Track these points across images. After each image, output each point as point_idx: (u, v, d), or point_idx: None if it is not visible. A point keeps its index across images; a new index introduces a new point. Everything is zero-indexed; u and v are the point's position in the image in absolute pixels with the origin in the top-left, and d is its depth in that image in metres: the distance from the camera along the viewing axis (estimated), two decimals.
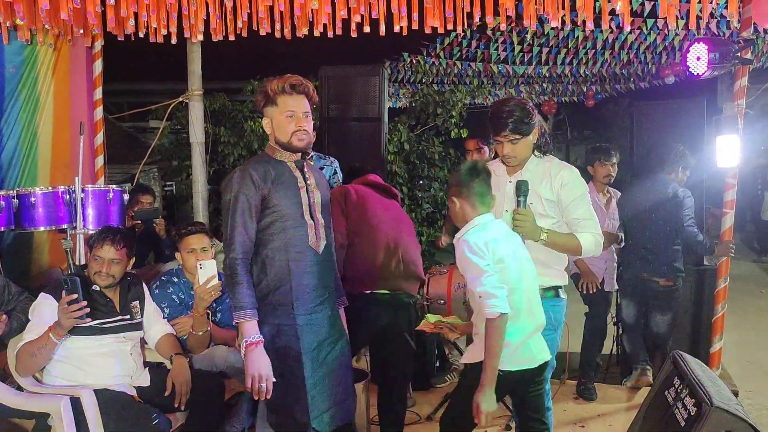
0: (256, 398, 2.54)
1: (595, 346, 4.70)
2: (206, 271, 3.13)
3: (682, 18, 4.37)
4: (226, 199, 2.58)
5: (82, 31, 4.52)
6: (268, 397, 2.51)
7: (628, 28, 5.40)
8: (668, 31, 7.36)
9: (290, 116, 2.61)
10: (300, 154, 2.70)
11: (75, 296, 2.86)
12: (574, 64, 9.13)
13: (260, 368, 2.48)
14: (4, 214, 3.67)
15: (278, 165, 2.65)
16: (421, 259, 3.62)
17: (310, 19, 4.18)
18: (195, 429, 3.10)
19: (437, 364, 4.86)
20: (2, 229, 3.72)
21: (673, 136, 4.85)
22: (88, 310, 2.89)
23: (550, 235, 2.75)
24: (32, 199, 3.69)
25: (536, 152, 2.91)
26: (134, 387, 3.13)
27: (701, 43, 3.92)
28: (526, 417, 2.82)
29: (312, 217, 2.64)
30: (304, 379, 2.54)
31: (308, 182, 2.68)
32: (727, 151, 4.13)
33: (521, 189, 2.74)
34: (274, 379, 2.51)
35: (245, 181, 2.55)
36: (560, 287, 2.95)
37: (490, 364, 2.42)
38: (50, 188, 3.80)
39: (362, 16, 4.05)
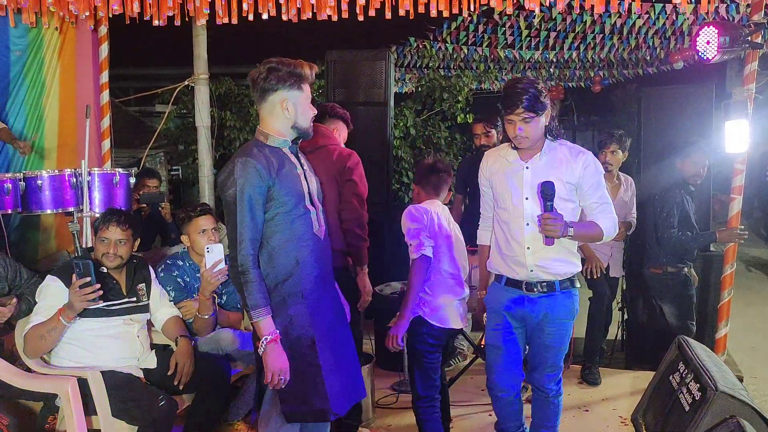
0: (272, 387, 2.51)
1: (600, 332, 4.70)
2: (213, 255, 3.13)
3: (691, 2, 4.31)
4: (230, 193, 2.45)
5: (87, 14, 4.50)
6: (283, 386, 2.50)
7: (638, 12, 5.35)
8: (677, 15, 7.29)
9: (311, 102, 2.61)
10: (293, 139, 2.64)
11: (88, 279, 2.87)
12: (582, 49, 9.06)
13: (281, 363, 2.46)
14: (11, 196, 3.69)
15: (275, 152, 2.55)
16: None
17: (313, 2, 4.16)
18: (201, 411, 3.12)
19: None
20: (9, 211, 3.74)
21: (681, 122, 4.82)
22: (101, 292, 2.91)
23: (575, 229, 2.71)
24: (39, 182, 3.70)
25: (549, 135, 2.85)
26: (141, 369, 3.16)
27: (711, 27, 3.88)
28: None
29: (313, 204, 2.60)
30: (320, 367, 2.52)
31: (304, 168, 2.64)
32: (735, 136, 4.10)
33: (547, 192, 2.67)
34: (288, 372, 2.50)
35: (250, 174, 2.43)
36: (575, 276, 2.93)
37: (409, 299, 3.13)
38: (57, 171, 3.81)
39: (368, 0, 4.02)
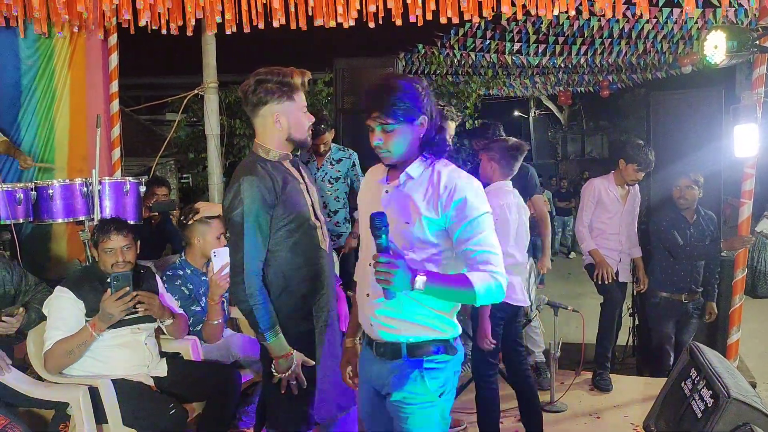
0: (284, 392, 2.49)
1: (610, 337, 4.68)
2: (220, 259, 3.14)
3: (699, 7, 4.31)
4: (236, 214, 2.36)
5: (96, 24, 4.55)
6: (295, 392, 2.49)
7: (645, 17, 5.33)
8: (685, 19, 7.28)
9: (305, 111, 2.50)
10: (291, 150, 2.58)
11: (127, 289, 2.96)
12: (590, 55, 9.05)
13: (294, 373, 2.44)
14: (23, 206, 3.72)
15: (277, 168, 2.47)
16: None
17: (323, 10, 4.17)
18: (211, 419, 3.12)
19: None
20: (21, 220, 3.77)
21: (690, 126, 4.81)
22: (137, 299, 3.01)
23: (429, 280, 1.92)
24: (50, 191, 3.73)
25: (425, 153, 2.11)
26: (151, 377, 3.16)
27: (719, 31, 3.87)
28: None
29: (317, 218, 2.55)
30: (315, 370, 2.51)
31: (305, 180, 2.57)
32: (745, 140, 4.08)
33: (376, 227, 1.93)
34: (303, 379, 2.48)
35: (255, 194, 2.35)
36: (443, 345, 2.13)
37: None
38: (68, 180, 3.84)
39: (377, 7, 4.04)
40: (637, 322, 4.98)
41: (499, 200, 3.27)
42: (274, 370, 2.44)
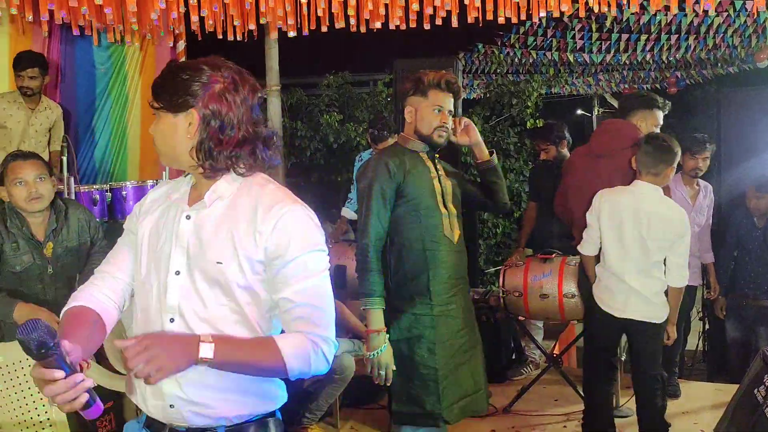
0: (377, 383, 2.53)
1: (679, 342, 4.54)
2: None
3: None
4: (361, 187, 2.59)
5: (165, 32, 4.72)
6: (388, 384, 2.51)
7: (711, 11, 5.15)
8: (758, 12, 6.99)
9: (437, 111, 2.60)
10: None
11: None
12: (656, 51, 8.79)
13: (381, 356, 2.46)
14: (99, 206, 3.91)
15: (412, 155, 2.62)
16: None
17: (384, 13, 4.21)
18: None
19: (513, 357, 4.82)
20: (97, 220, 3.95)
21: (763, 124, 4.62)
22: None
23: (219, 346, 1.39)
24: (123, 192, 3.92)
25: (236, 165, 1.52)
26: None
27: None
28: None
29: (446, 207, 2.62)
30: (437, 370, 2.52)
31: (439, 172, 2.66)
32: None
33: (34, 344, 1.22)
34: (394, 367, 2.50)
35: (380, 170, 2.54)
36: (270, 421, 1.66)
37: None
38: (140, 182, 4.01)
39: (435, 8, 4.05)
40: (707, 327, 4.82)
41: None
42: (365, 349, 2.52)
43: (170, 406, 1.50)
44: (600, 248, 3.22)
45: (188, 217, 1.53)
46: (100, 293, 1.59)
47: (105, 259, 1.66)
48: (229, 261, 1.47)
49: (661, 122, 3.51)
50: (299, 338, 1.47)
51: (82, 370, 1.29)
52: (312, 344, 1.47)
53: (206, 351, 1.37)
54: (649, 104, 3.47)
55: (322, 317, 1.50)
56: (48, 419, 2.42)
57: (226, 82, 1.48)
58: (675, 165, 3.08)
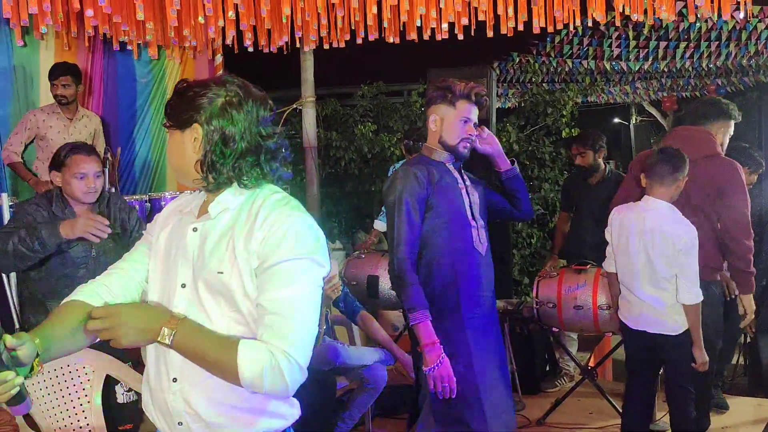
0: (441, 398, 2.43)
1: (729, 356, 4.44)
2: (330, 270, 3.26)
3: None
4: (390, 200, 2.52)
5: (202, 46, 4.82)
6: (453, 396, 2.41)
7: (741, 16, 5.03)
8: None
9: (464, 122, 2.55)
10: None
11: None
12: (695, 58, 8.64)
13: (442, 370, 2.38)
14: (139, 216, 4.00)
15: (438, 166, 2.58)
16: None
17: (418, 24, 4.24)
18: (309, 423, 3.22)
19: (547, 369, 4.77)
20: None
21: None
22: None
23: (183, 330, 1.41)
24: (162, 202, 4.01)
25: (239, 177, 1.51)
26: None
27: None
28: None
29: (474, 218, 2.58)
30: (478, 386, 2.45)
31: (466, 183, 2.63)
32: None
33: None
34: (454, 378, 2.41)
35: (409, 180, 2.49)
36: None
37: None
38: (178, 192, 4.09)
39: (469, 19, 4.06)
40: (748, 339, 4.69)
41: None
42: (422, 365, 2.43)
43: (179, 423, 1.51)
44: None
45: (195, 230, 1.54)
46: (106, 291, 1.58)
47: (122, 257, 1.68)
48: (229, 270, 1.46)
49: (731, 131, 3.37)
50: (259, 347, 1.39)
51: (33, 369, 1.36)
52: (270, 356, 1.37)
53: (165, 337, 1.39)
54: (728, 114, 3.31)
55: (289, 332, 1.40)
56: (87, 425, 2.49)
57: (229, 96, 1.50)
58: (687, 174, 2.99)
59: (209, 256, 1.49)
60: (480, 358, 2.49)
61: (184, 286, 1.51)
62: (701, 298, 2.96)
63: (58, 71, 4.28)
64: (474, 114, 2.57)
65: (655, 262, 2.97)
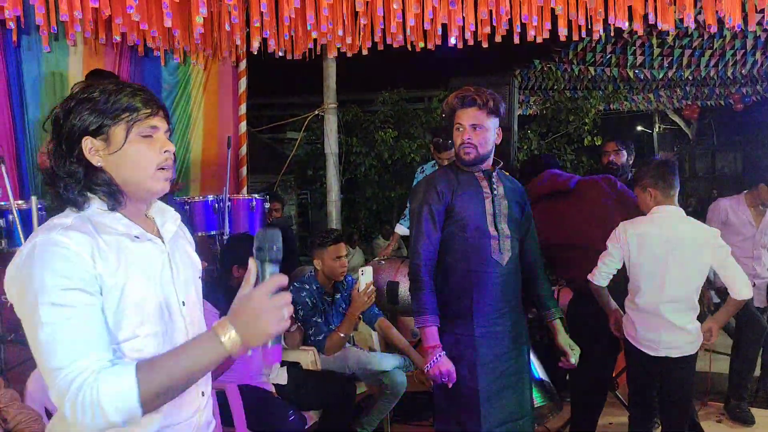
0: (441, 397, 2.56)
1: (754, 367, 4.37)
2: (366, 277, 3.30)
3: None
4: (413, 207, 2.65)
5: (229, 52, 4.88)
6: (453, 381, 2.50)
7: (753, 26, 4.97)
8: None
9: (459, 129, 2.57)
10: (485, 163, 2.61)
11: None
12: (720, 66, 8.55)
13: (444, 366, 2.46)
14: None
15: (465, 174, 2.61)
16: None
17: (440, 33, 4.24)
18: (328, 428, 3.24)
19: (567, 378, 4.73)
20: None
21: None
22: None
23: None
24: (186, 207, 4.04)
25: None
26: (273, 384, 3.32)
27: None
28: None
29: (496, 228, 2.57)
30: (478, 391, 2.49)
31: (495, 192, 2.60)
32: None
33: None
34: (453, 370, 2.49)
35: (430, 190, 2.58)
36: None
37: None
38: (201, 197, 4.14)
39: (492, 27, 4.06)
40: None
41: None
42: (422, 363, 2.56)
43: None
44: (612, 280, 3.01)
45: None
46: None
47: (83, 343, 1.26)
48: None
49: None
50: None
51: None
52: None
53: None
54: None
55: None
56: None
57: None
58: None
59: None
60: (486, 367, 2.52)
61: (184, 304, 1.48)
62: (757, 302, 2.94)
63: (94, 78, 4.33)
64: (467, 117, 2.54)
65: (688, 271, 2.85)
